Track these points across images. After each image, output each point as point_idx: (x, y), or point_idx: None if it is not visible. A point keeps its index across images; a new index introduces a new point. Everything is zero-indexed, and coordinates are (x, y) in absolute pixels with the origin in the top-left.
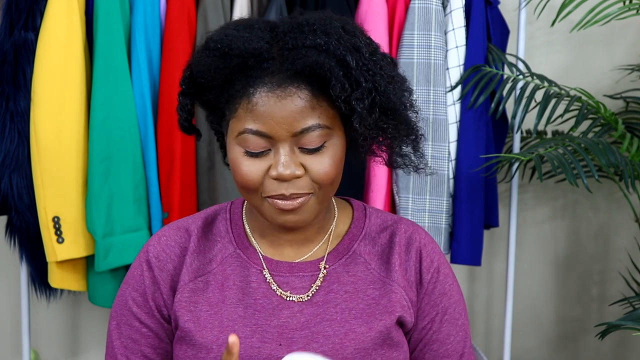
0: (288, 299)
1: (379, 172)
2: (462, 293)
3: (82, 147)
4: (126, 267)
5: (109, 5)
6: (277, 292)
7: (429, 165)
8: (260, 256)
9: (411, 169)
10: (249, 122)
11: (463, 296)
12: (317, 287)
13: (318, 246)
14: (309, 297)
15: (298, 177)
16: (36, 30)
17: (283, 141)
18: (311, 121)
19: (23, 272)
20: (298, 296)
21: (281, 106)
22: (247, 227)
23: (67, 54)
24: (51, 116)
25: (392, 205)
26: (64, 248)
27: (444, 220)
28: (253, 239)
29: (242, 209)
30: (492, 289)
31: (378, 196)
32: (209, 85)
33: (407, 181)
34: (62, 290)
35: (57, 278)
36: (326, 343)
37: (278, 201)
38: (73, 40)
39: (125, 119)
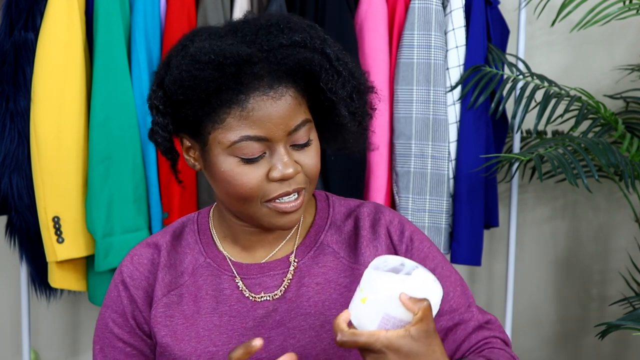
0: (261, 299)
1: (379, 172)
2: (444, 255)
3: (82, 147)
4: None
5: (109, 5)
6: (250, 298)
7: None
8: (230, 262)
9: (356, 152)
10: (245, 129)
11: (445, 257)
12: (289, 282)
13: (286, 240)
14: (282, 293)
15: (298, 173)
16: (36, 30)
17: (279, 142)
18: (300, 117)
19: (23, 272)
20: (272, 294)
21: (277, 107)
22: (215, 236)
23: (67, 54)
24: (51, 116)
25: (392, 205)
26: (64, 248)
27: (444, 220)
28: (222, 247)
29: (209, 219)
30: (492, 289)
31: (378, 196)
32: (188, 100)
33: (407, 181)
34: (62, 290)
35: (57, 278)
36: (303, 337)
37: (280, 205)
38: (73, 40)
39: (125, 119)
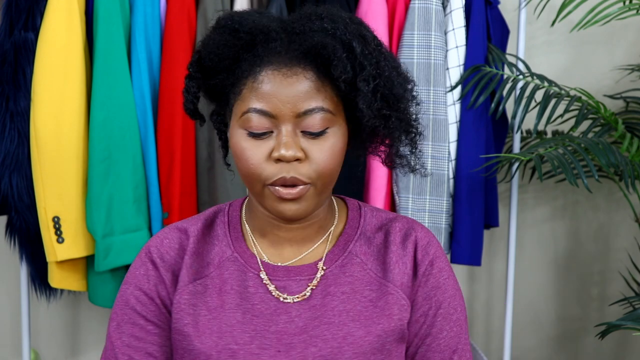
0: (285, 300)
1: (379, 172)
2: (459, 288)
3: (82, 147)
4: (126, 267)
5: (109, 5)
6: (274, 294)
7: (425, 166)
8: (258, 260)
9: (407, 170)
10: (253, 101)
11: (461, 291)
12: (315, 288)
13: (316, 245)
14: (305, 298)
15: (299, 159)
16: (36, 30)
17: (286, 122)
18: (315, 103)
19: (23, 272)
20: (295, 297)
21: (287, 84)
22: (246, 227)
23: (67, 54)
24: (51, 116)
25: (392, 205)
26: (64, 248)
27: (444, 220)
28: (252, 240)
29: (241, 210)
30: (492, 289)
31: (378, 196)
32: (216, 68)
33: (407, 181)
34: (62, 290)
35: (57, 278)
36: (324, 347)
37: (279, 189)
38: (73, 40)
39: (125, 119)
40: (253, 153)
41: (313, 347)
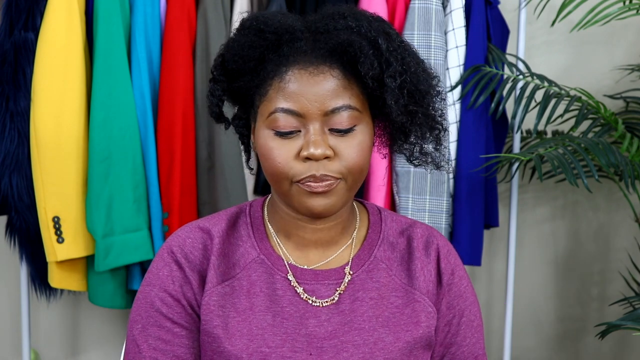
0: (314, 303)
1: (379, 172)
2: (476, 295)
3: (82, 147)
4: (126, 267)
5: (109, 5)
6: (303, 297)
7: (450, 163)
8: (285, 263)
9: (432, 167)
10: (280, 101)
11: (477, 298)
12: (342, 292)
13: (342, 249)
14: (334, 302)
15: (328, 157)
16: (36, 30)
17: (314, 120)
18: (342, 101)
19: (23, 272)
20: (324, 301)
21: (313, 83)
22: (270, 228)
23: (67, 54)
24: (51, 116)
25: (392, 205)
26: (64, 248)
27: (444, 220)
28: (277, 242)
29: (264, 210)
30: (492, 289)
31: (378, 196)
32: (240, 70)
33: (407, 181)
34: (62, 290)
35: (57, 278)
36: (356, 352)
37: (309, 183)
38: (73, 40)
39: (125, 119)
40: (280, 152)
41: (345, 352)
